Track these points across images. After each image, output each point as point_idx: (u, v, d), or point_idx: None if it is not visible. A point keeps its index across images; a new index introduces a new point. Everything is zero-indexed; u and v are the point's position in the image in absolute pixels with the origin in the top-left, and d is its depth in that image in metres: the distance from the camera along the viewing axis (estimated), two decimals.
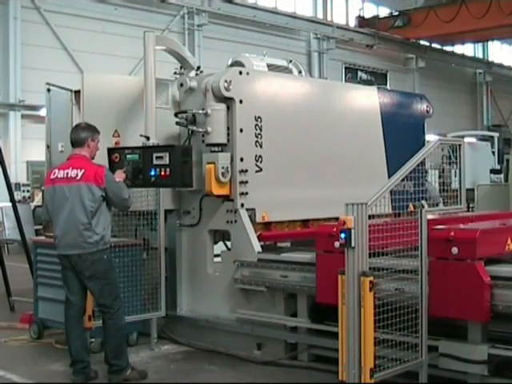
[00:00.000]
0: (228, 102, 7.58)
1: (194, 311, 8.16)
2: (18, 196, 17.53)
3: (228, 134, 7.62)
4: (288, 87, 8.43)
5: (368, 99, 9.54)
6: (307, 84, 8.91)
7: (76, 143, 6.58)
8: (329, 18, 32.92)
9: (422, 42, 36.75)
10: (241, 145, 7.68)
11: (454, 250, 5.67)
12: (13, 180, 15.43)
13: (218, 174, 7.53)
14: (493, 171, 21.48)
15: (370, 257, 5.04)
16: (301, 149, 8.28)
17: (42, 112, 9.04)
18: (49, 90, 8.40)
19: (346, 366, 4.99)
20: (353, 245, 4.94)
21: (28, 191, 21.56)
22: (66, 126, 7.81)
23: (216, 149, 7.64)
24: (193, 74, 8.51)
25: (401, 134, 9.61)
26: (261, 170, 7.83)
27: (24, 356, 7.65)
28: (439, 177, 12.77)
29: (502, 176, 20.85)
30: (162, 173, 7.30)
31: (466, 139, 18.63)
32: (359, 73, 34.24)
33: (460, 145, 6.34)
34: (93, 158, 6.68)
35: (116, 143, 7.77)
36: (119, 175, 6.82)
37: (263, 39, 27.30)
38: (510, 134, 32.20)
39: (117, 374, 6.58)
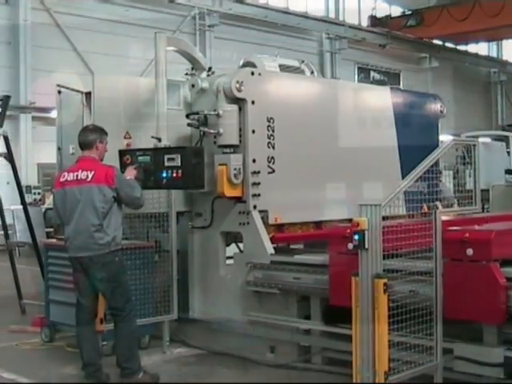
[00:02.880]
0: (240, 102, 7.59)
1: (207, 314, 8.15)
2: (28, 198, 17.56)
3: (240, 136, 7.62)
4: (300, 88, 8.44)
5: (381, 99, 9.54)
6: (319, 84, 8.91)
7: (84, 145, 6.60)
8: (341, 18, 32.89)
9: (435, 42, 36.68)
10: (253, 146, 7.68)
11: (469, 251, 5.65)
12: (23, 182, 15.47)
13: (230, 176, 7.53)
14: (508, 171, 21.36)
15: (383, 258, 5.03)
16: (313, 150, 8.28)
17: (53, 114, 9.05)
18: (59, 92, 8.42)
19: (360, 368, 4.98)
20: (366, 246, 4.93)
21: (39, 194, 21.63)
22: (76, 128, 7.82)
23: (228, 150, 7.64)
24: (204, 74, 8.52)
25: (414, 135, 9.59)
26: (273, 171, 7.83)
27: (35, 359, 7.65)
28: (453, 177, 12.73)
29: None
30: (174, 174, 7.30)
31: (481, 139, 18.53)
32: (372, 73, 34.21)
33: (474, 145, 6.31)
34: (101, 160, 6.69)
35: (127, 145, 7.78)
36: (130, 172, 6.83)
37: (275, 39, 27.27)
38: None
39: (128, 377, 6.57)
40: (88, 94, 8.33)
